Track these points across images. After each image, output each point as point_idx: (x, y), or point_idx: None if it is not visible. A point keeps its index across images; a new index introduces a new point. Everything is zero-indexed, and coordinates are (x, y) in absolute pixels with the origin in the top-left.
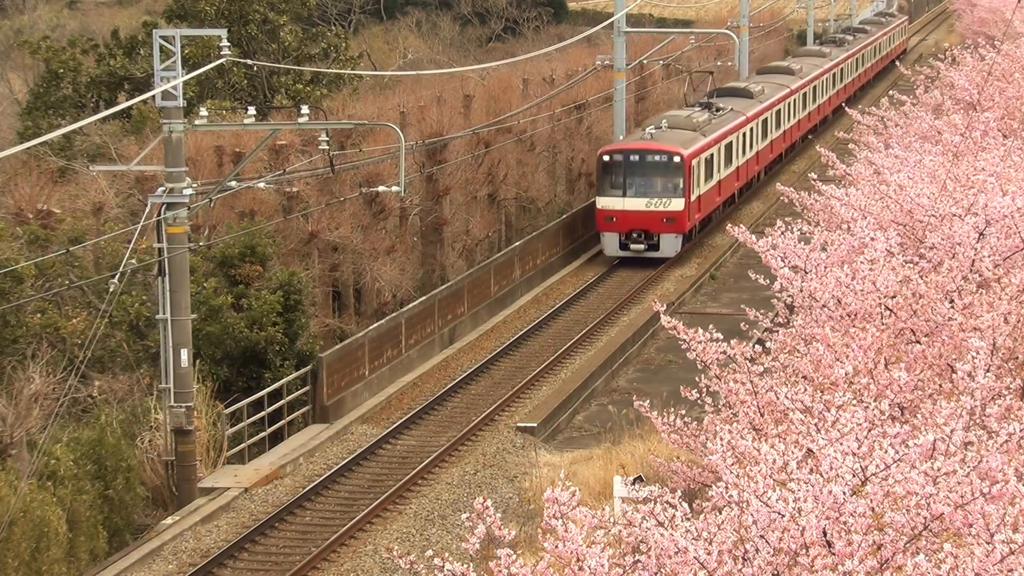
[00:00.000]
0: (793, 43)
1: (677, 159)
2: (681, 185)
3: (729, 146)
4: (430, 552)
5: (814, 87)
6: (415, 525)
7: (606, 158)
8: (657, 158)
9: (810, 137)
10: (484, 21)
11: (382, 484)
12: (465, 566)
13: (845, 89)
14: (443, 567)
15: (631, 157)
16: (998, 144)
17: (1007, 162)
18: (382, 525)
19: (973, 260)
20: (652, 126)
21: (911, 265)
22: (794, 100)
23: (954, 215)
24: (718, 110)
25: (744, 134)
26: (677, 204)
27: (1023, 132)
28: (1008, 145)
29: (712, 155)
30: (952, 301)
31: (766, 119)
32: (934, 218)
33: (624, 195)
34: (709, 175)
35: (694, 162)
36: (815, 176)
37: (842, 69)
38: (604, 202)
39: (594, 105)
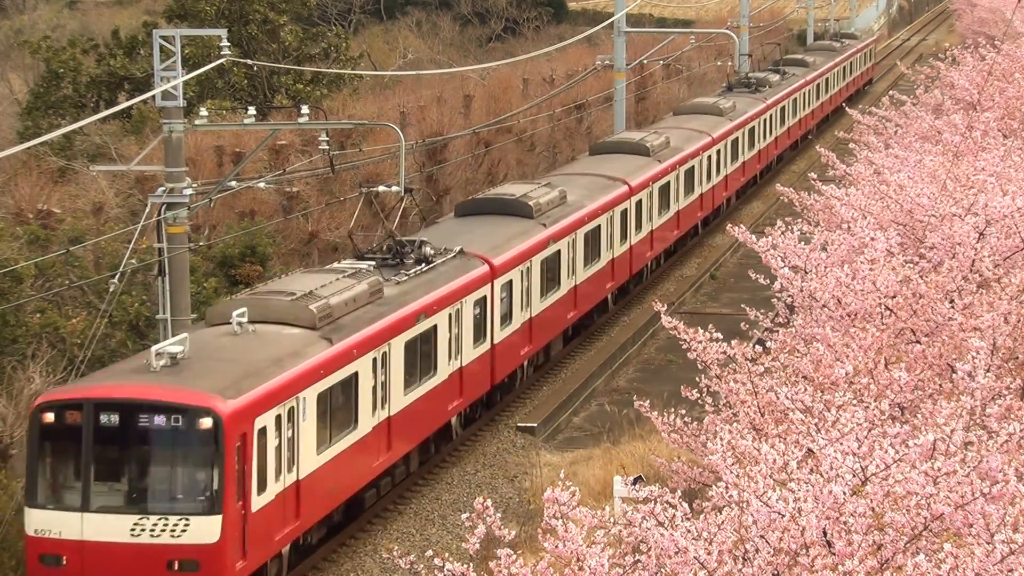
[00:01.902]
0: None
1: (207, 423)
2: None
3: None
4: (430, 552)
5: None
6: (415, 525)
7: (47, 418)
8: (162, 422)
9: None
10: (484, 21)
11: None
12: (465, 566)
13: (725, 185)
14: (443, 567)
15: (103, 418)
16: (998, 144)
17: (1007, 162)
18: (382, 525)
19: (973, 260)
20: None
21: (911, 265)
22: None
23: (954, 215)
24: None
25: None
26: (208, 529)
27: (1023, 132)
28: (1008, 145)
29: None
30: (952, 301)
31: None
32: (934, 218)
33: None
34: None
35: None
36: (815, 176)
37: (732, 144)
38: (41, 521)
39: (594, 105)
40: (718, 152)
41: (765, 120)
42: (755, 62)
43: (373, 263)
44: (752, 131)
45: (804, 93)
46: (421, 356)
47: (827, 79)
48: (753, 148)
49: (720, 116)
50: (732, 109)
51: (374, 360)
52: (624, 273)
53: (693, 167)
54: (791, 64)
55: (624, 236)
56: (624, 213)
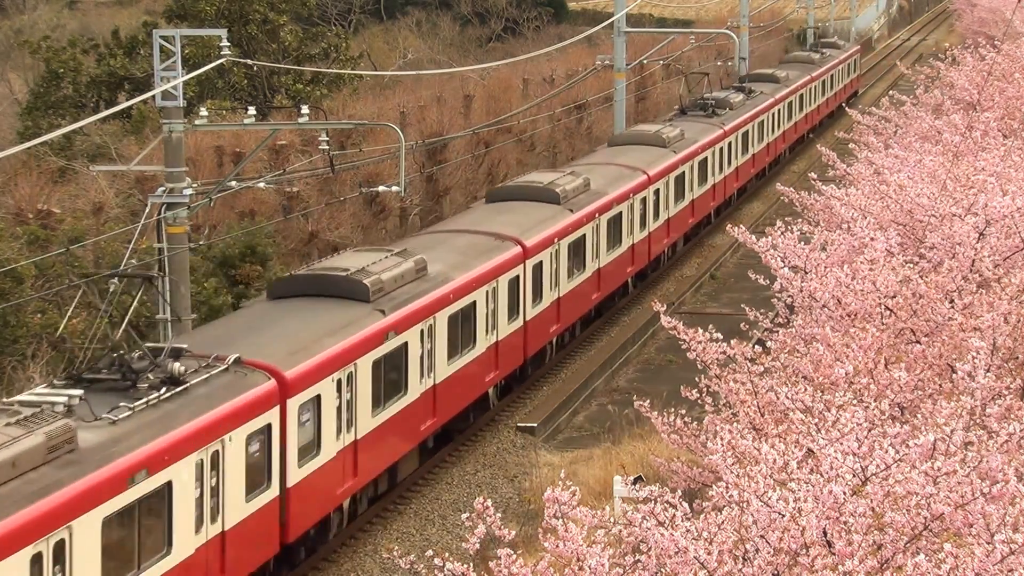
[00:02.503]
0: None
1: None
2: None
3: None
4: (430, 552)
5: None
6: (415, 525)
7: None
8: None
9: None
10: (484, 21)
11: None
12: (465, 566)
13: (666, 230)
14: (443, 567)
15: None
16: (998, 144)
17: (1007, 162)
18: (382, 525)
19: (973, 260)
20: None
21: (911, 265)
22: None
23: (954, 215)
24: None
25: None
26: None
27: (1023, 132)
28: (1008, 145)
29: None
30: (952, 301)
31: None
32: (934, 218)
33: None
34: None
35: None
36: (815, 176)
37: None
38: None
39: (594, 105)
40: (656, 193)
41: (721, 149)
42: (707, 84)
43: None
44: (704, 163)
45: (772, 114)
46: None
47: (801, 96)
48: (704, 183)
49: (662, 148)
50: (678, 139)
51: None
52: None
53: (620, 213)
54: (759, 80)
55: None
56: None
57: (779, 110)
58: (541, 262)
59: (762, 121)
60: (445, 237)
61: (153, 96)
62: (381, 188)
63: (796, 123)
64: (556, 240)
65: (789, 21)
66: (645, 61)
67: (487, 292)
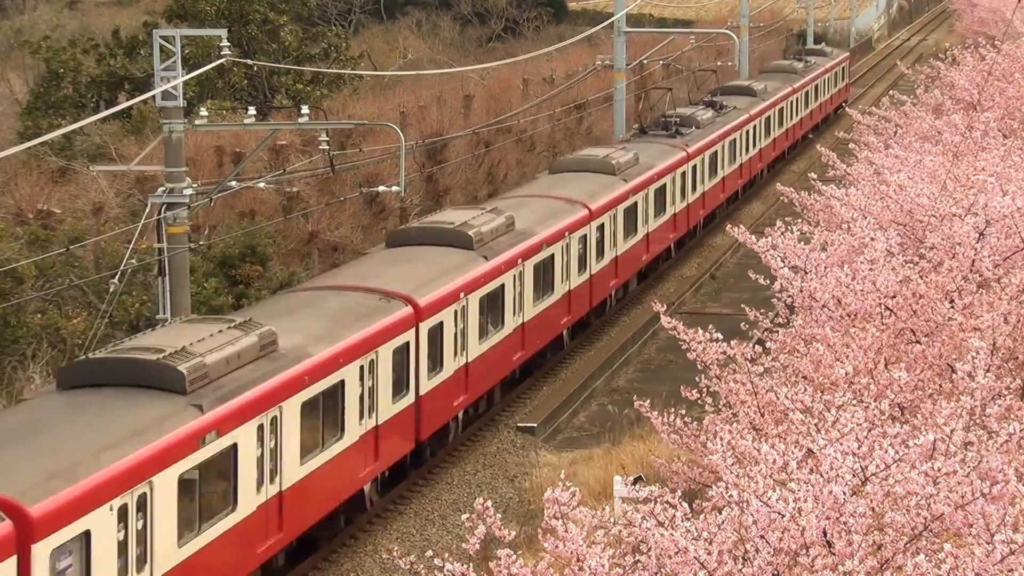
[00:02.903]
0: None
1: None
2: None
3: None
4: (430, 552)
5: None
6: (415, 525)
7: None
8: None
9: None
10: (484, 21)
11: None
12: (465, 566)
13: (613, 270)
14: (443, 567)
15: None
16: (998, 144)
17: (1007, 162)
18: (382, 525)
19: (973, 260)
20: None
21: (911, 265)
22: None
23: (954, 215)
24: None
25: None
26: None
27: (1023, 132)
28: (1008, 145)
29: None
30: (952, 301)
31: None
32: (934, 218)
33: None
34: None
35: None
36: (815, 176)
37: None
38: None
39: (594, 105)
40: (600, 228)
41: (684, 174)
42: (670, 100)
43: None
44: (662, 191)
45: (746, 132)
46: (544, 277)
47: (781, 110)
48: (662, 214)
49: (611, 175)
50: (630, 165)
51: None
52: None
53: (553, 255)
54: (733, 93)
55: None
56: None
57: (755, 127)
58: (441, 323)
59: (734, 140)
60: (315, 298)
61: (153, 96)
62: (381, 188)
63: (775, 140)
64: (463, 294)
65: (789, 21)
66: (645, 61)
67: (361, 367)
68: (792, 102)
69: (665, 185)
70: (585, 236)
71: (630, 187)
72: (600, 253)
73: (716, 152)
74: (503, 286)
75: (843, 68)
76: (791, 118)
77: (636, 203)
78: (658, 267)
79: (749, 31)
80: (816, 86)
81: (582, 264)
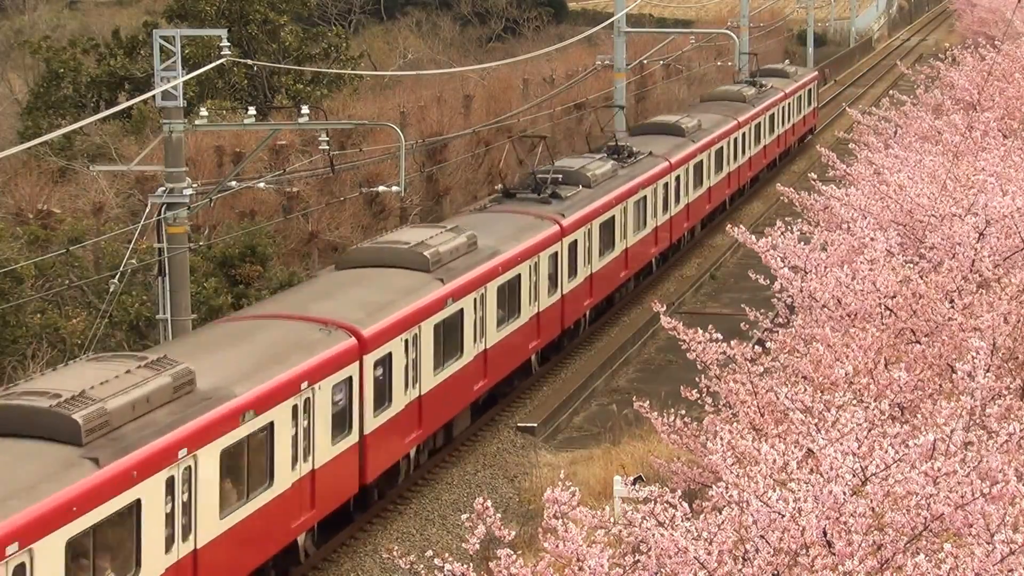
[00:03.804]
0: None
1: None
2: None
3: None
4: (430, 552)
5: None
6: (415, 525)
7: None
8: None
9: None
10: (484, 21)
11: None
12: (465, 566)
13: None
14: (443, 567)
15: None
16: (998, 144)
17: (1007, 162)
18: (382, 525)
19: (973, 260)
20: None
21: (911, 265)
22: None
23: (954, 215)
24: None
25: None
26: None
27: (1023, 132)
28: (1008, 145)
29: None
30: (952, 301)
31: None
32: (934, 218)
33: None
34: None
35: None
36: (815, 176)
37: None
38: None
39: (594, 105)
40: (382, 361)
41: (555, 257)
42: (545, 148)
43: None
44: (512, 288)
45: (663, 186)
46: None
47: (720, 151)
48: (513, 319)
49: (422, 273)
50: (458, 254)
51: (475, 300)
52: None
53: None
54: (654, 132)
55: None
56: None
57: (676, 178)
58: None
59: (642, 199)
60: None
61: (153, 96)
62: (381, 188)
63: (710, 190)
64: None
65: (789, 21)
66: (645, 61)
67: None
68: (737, 139)
69: (519, 278)
70: (349, 380)
71: (448, 290)
72: (377, 406)
73: (612, 219)
74: (462, 311)
75: (809, 91)
76: (734, 160)
77: (460, 312)
78: (480, 415)
79: (749, 31)
80: (772, 116)
81: (348, 425)
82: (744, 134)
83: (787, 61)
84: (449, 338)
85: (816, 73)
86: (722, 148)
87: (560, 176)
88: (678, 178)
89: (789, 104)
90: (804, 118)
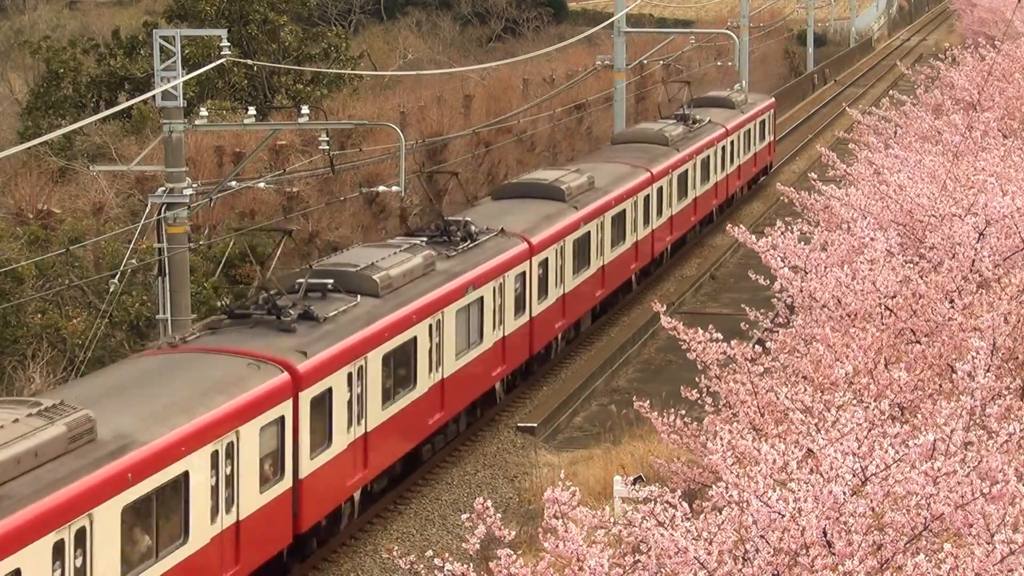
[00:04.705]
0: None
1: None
2: None
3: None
4: (430, 552)
5: None
6: (415, 525)
7: None
8: None
9: None
10: (484, 21)
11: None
12: (465, 566)
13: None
14: (443, 567)
15: None
16: (998, 144)
17: (1007, 162)
18: (382, 525)
19: (973, 260)
20: None
21: (911, 265)
22: None
23: (954, 215)
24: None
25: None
26: None
27: (1023, 132)
28: (1008, 145)
29: None
30: (952, 301)
31: None
32: (934, 218)
33: None
34: None
35: None
36: (815, 176)
37: None
38: None
39: (594, 105)
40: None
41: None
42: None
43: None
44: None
45: (520, 277)
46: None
47: (621, 216)
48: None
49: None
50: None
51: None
52: None
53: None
54: (525, 195)
55: None
56: None
57: (542, 263)
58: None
59: (470, 308)
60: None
61: (153, 96)
62: (381, 188)
63: (603, 269)
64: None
65: (789, 21)
66: (645, 61)
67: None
68: (648, 197)
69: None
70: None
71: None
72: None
73: (412, 340)
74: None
75: (762, 122)
76: (642, 225)
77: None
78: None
79: (749, 31)
80: (706, 160)
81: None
82: (660, 189)
83: (737, 86)
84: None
85: (772, 100)
86: (623, 212)
87: (351, 268)
88: (544, 263)
89: (732, 142)
90: (755, 156)
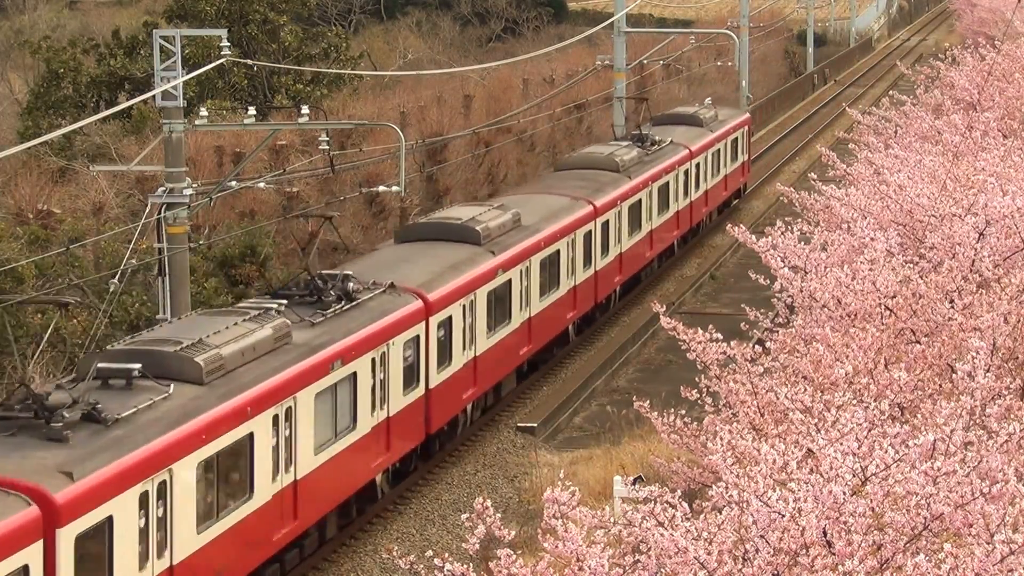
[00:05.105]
0: (794, 43)
1: None
2: None
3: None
4: (430, 552)
5: None
6: (415, 525)
7: None
8: None
9: None
10: (484, 21)
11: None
12: (465, 566)
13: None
14: (443, 567)
15: None
16: (998, 144)
17: (1007, 162)
18: (382, 525)
19: (973, 260)
20: None
21: (911, 265)
22: None
23: (954, 215)
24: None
25: None
26: None
27: (1023, 132)
28: (1008, 145)
29: None
30: (952, 301)
31: None
32: (934, 218)
33: None
34: None
35: None
36: (815, 176)
37: None
38: None
39: (594, 105)
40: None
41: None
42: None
43: None
44: None
45: (407, 346)
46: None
47: (554, 257)
48: None
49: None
50: None
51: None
52: None
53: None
54: (434, 237)
55: None
56: None
57: (446, 322)
58: (252, 433)
59: (337, 388)
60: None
61: (153, 96)
62: (381, 188)
63: (529, 322)
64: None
65: (789, 21)
66: (645, 61)
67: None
68: (589, 234)
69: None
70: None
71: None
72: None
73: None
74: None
75: (735, 141)
76: (583, 266)
77: None
78: None
79: (749, 31)
80: (664, 187)
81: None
82: (607, 223)
83: (708, 100)
84: None
85: (747, 116)
86: (556, 254)
87: (168, 347)
88: (447, 322)
89: (698, 165)
90: (726, 179)
